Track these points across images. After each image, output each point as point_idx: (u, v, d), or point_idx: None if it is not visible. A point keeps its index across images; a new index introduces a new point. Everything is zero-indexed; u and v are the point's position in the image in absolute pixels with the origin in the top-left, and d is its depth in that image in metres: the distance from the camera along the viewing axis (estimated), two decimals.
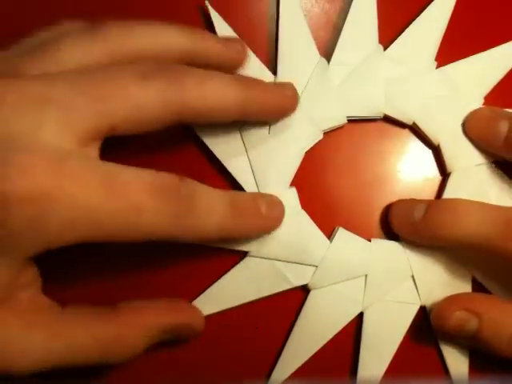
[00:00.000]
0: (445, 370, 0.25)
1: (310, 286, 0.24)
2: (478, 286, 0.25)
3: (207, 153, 0.25)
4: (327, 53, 0.26)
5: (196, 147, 0.25)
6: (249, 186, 0.24)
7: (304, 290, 0.25)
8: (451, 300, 0.24)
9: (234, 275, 0.24)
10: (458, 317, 0.23)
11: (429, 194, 0.26)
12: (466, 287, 0.25)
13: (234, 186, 0.24)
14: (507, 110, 0.25)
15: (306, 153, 0.25)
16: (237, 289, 0.24)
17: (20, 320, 0.19)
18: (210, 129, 0.24)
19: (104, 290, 0.24)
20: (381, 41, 0.26)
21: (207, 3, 0.26)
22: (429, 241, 0.24)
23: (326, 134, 0.25)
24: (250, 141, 0.24)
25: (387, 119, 0.26)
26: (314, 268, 0.24)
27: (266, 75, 0.25)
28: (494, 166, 0.25)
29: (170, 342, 0.23)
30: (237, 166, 0.24)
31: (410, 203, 0.25)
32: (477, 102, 0.26)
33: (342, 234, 0.25)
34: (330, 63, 0.26)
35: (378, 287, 0.24)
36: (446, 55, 0.26)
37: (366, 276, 0.24)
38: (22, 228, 0.17)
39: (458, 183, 0.25)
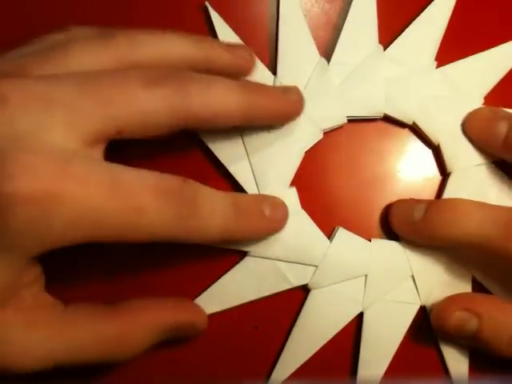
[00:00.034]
0: (445, 370, 0.25)
1: (310, 285, 0.24)
2: (478, 286, 0.25)
3: (208, 154, 0.25)
4: (327, 53, 0.26)
5: (197, 148, 0.25)
6: (249, 186, 0.24)
7: (304, 290, 0.25)
8: (451, 300, 0.24)
9: (234, 275, 0.24)
10: (457, 317, 0.23)
11: (429, 194, 0.26)
12: (466, 287, 0.25)
13: (236, 187, 0.24)
14: (507, 110, 0.25)
15: (305, 153, 0.25)
16: (237, 289, 0.24)
17: (23, 318, 0.19)
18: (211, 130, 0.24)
19: (103, 289, 0.24)
20: (381, 41, 0.26)
21: (207, 4, 0.26)
22: (429, 241, 0.24)
23: (326, 133, 0.25)
24: (251, 141, 0.24)
25: (387, 119, 0.26)
26: (314, 268, 0.24)
27: (265, 75, 0.25)
28: (493, 166, 0.25)
29: (173, 341, 0.23)
30: (237, 166, 0.24)
31: (409, 203, 0.25)
32: (477, 102, 0.26)
33: (341, 233, 0.25)
34: (330, 63, 0.26)
35: (378, 287, 0.24)
36: (446, 55, 0.26)
37: (366, 276, 0.24)
38: (26, 228, 0.18)
39: (458, 183, 0.25)
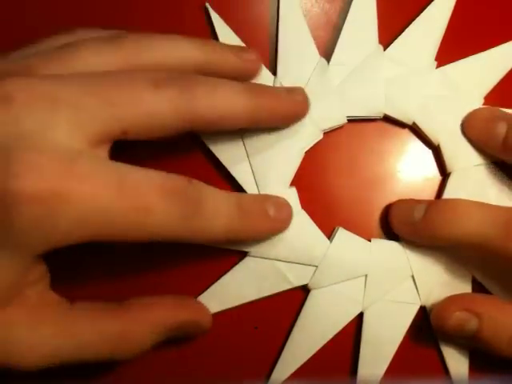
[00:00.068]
0: (445, 370, 0.25)
1: (310, 285, 0.24)
2: (478, 286, 0.25)
3: (208, 154, 0.25)
4: (327, 53, 0.26)
5: (197, 149, 0.25)
6: (249, 186, 0.24)
7: (304, 290, 0.25)
8: (451, 300, 0.24)
9: (234, 275, 0.24)
10: (457, 317, 0.23)
11: (429, 194, 0.26)
12: (466, 287, 0.25)
13: (236, 188, 0.24)
14: (506, 110, 0.25)
15: (306, 153, 0.25)
16: (237, 289, 0.24)
17: (28, 316, 0.19)
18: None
19: (103, 288, 0.24)
20: (381, 41, 0.26)
21: (208, 5, 0.26)
22: (429, 241, 0.24)
23: (326, 133, 0.25)
24: (251, 141, 0.24)
25: (387, 119, 0.26)
26: (314, 268, 0.24)
27: (266, 76, 0.25)
28: (493, 166, 0.25)
29: (177, 340, 0.23)
30: (237, 167, 0.24)
31: (409, 203, 0.25)
32: (477, 102, 0.26)
33: (341, 234, 0.25)
34: (330, 63, 0.26)
35: (378, 287, 0.24)
36: (446, 55, 0.26)
37: (366, 276, 0.24)
38: (31, 227, 0.18)
39: (458, 183, 0.25)
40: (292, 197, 0.24)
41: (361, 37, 0.26)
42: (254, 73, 0.24)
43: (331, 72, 0.25)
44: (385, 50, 0.26)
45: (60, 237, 0.18)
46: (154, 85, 0.20)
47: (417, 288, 0.24)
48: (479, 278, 0.25)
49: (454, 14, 0.26)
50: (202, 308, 0.24)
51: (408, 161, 0.26)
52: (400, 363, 0.24)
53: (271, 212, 0.23)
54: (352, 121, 0.26)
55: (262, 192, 0.24)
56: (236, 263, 0.24)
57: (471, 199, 0.23)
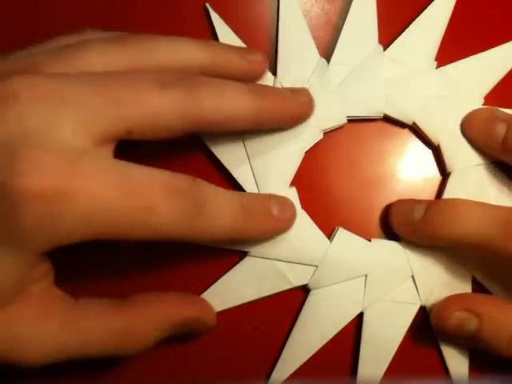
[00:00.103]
0: (445, 370, 0.25)
1: (310, 285, 0.24)
2: (478, 286, 0.25)
3: (210, 156, 0.25)
4: (327, 53, 0.26)
5: (198, 150, 0.25)
6: (249, 186, 0.24)
7: (304, 290, 0.25)
8: (451, 300, 0.24)
9: (234, 275, 0.24)
10: (457, 317, 0.23)
11: (429, 194, 0.26)
12: (466, 287, 0.25)
13: (236, 187, 0.24)
14: (506, 110, 0.25)
15: (306, 153, 0.25)
16: (237, 289, 0.24)
17: (33, 312, 0.20)
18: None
19: (103, 287, 0.24)
20: (381, 41, 0.26)
21: (208, 5, 0.26)
22: (429, 241, 0.24)
23: (326, 133, 0.25)
24: (251, 141, 0.24)
25: (387, 119, 0.26)
26: (314, 268, 0.24)
27: (266, 76, 0.25)
28: (493, 166, 0.25)
29: (183, 337, 0.23)
30: (237, 166, 0.24)
31: (409, 203, 0.25)
32: (477, 102, 0.26)
33: (341, 234, 0.25)
34: (330, 63, 0.26)
35: (378, 287, 0.24)
36: (446, 55, 0.26)
37: (366, 276, 0.24)
38: (35, 225, 0.18)
39: (458, 183, 0.25)
40: (292, 197, 0.24)
41: (361, 37, 0.26)
42: (260, 74, 0.24)
43: (331, 72, 0.25)
44: (385, 50, 0.26)
45: (64, 235, 0.18)
46: (159, 85, 0.20)
47: (417, 288, 0.24)
48: (479, 278, 0.25)
49: (454, 14, 0.27)
50: (207, 305, 0.24)
51: (408, 161, 0.26)
52: (400, 363, 0.24)
53: (275, 212, 0.23)
54: (352, 121, 0.26)
55: (261, 192, 0.24)
56: (236, 263, 0.24)
57: (471, 199, 0.23)
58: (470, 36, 0.27)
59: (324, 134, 0.25)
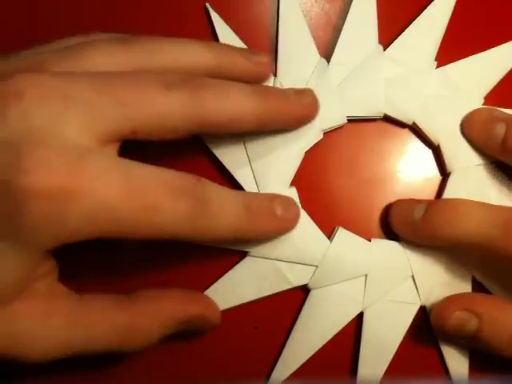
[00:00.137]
0: (445, 370, 0.25)
1: (310, 285, 0.24)
2: (478, 286, 0.25)
3: (212, 158, 0.25)
4: (327, 53, 0.26)
5: (200, 151, 0.25)
6: (249, 186, 0.24)
7: (304, 290, 0.25)
8: (451, 300, 0.24)
9: (234, 275, 0.24)
10: (457, 317, 0.23)
11: (429, 194, 0.26)
12: (466, 287, 0.25)
13: (235, 187, 0.24)
14: (506, 110, 0.25)
15: (306, 153, 0.25)
16: (237, 289, 0.24)
17: (38, 308, 0.20)
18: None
19: (102, 286, 0.24)
20: (381, 41, 0.26)
21: (208, 5, 0.26)
22: (429, 241, 0.24)
23: (326, 133, 0.25)
24: (251, 141, 0.24)
25: (387, 119, 0.26)
26: (314, 268, 0.24)
27: None
28: (493, 166, 0.25)
29: (187, 335, 0.23)
30: (237, 166, 0.24)
31: (409, 203, 0.25)
32: (477, 102, 0.26)
33: (341, 233, 0.25)
34: (330, 63, 0.26)
35: (378, 287, 0.24)
36: (446, 55, 0.26)
37: (366, 276, 0.24)
38: (40, 224, 0.18)
39: (458, 183, 0.25)
40: (292, 197, 0.24)
41: (361, 37, 0.26)
42: (266, 76, 0.24)
43: (331, 72, 0.25)
44: (385, 50, 0.26)
45: (69, 233, 0.18)
46: (165, 86, 0.20)
47: (417, 288, 0.24)
48: (479, 278, 0.25)
49: (454, 14, 0.27)
50: (211, 303, 0.24)
51: (408, 161, 0.26)
52: (400, 363, 0.24)
53: (279, 212, 0.23)
54: (352, 121, 0.26)
55: (262, 192, 0.24)
56: (236, 263, 0.24)
57: (471, 199, 0.23)
58: (470, 36, 0.27)
59: (324, 133, 0.25)
